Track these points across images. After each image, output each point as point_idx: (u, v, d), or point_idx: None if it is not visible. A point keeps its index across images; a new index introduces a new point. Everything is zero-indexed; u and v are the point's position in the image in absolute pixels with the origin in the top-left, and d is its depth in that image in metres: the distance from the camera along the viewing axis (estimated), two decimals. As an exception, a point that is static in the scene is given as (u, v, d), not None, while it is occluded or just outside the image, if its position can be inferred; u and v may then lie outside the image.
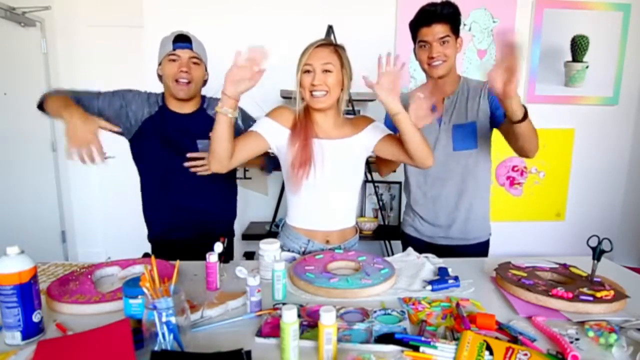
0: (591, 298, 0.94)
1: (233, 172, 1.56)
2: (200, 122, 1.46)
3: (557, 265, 1.15)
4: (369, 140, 1.29)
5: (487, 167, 1.51)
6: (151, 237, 1.55)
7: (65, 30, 3.05)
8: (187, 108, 1.48)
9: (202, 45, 1.46)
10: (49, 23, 2.97)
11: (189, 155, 1.40)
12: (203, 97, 1.53)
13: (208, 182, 1.42)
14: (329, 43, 1.23)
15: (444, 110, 1.45)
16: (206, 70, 1.48)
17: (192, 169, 1.40)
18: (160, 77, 1.45)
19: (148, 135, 1.43)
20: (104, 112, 1.37)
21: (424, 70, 1.43)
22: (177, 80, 1.38)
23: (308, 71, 1.19)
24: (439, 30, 1.33)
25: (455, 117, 1.44)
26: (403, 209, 2.43)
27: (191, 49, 1.40)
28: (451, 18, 1.34)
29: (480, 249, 1.53)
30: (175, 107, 1.46)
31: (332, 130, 1.29)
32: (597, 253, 1.06)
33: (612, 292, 0.96)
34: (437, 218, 1.50)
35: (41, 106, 1.33)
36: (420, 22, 1.36)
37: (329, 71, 1.18)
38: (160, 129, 1.44)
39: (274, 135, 1.25)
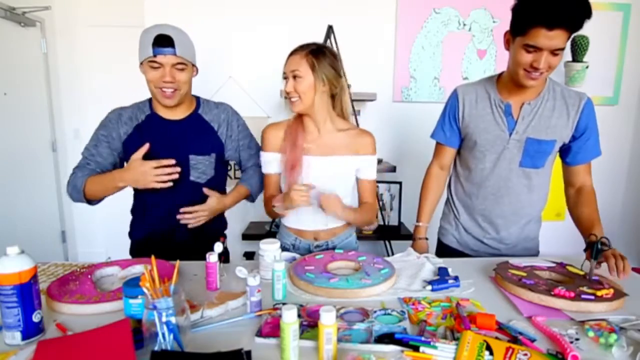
0: (592, 297, 0.94)
1: (223, 186, 1.48)
2: (195, 128, 1.35)
3: (553, 264, 1.16)
4: (359, 170, 1.34)
5: (547, 187, 1.35)
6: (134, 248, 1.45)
7: (65, 30, 3.05)
8: (179, 113, 1.35)
9: (188, 40, 1.27)
10: (49, 23, 2.98)
11: (181, 210, 1.29)
12: (197, 100, 1.40)
13: (198, 200, 1.33)
14: (304, 48, 1.22)
15: (519, 118, 1.22)
16: (194, 66, 1.32)
17: (183, 221, 1.30)
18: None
19: (133, 151, 1.25)
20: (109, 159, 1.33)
21: (513, 70, 1.16)
22: (161, 88, 1.24)
23: (286, 78, 1.24)
24: (559, 39, 1.04)
25: (533, 129, 1.22)
26: (403, 209, 2.45)
27: (174, 53, 1.21)
28: (578, 25, 1.05)
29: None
30: (165, 113, 1.34)
31: (324, 136, 1.30)
32: (595, 252, 1.06)
33: (611, 291, 0.96)
34: (484, 235, 1.36)
35: (85, 199, 1.31)
36: (538, 19, 1.03)
37: (298, 77, 1.21)
38: (147, 141, 1.27)
39: (275, 162, 1.34)
